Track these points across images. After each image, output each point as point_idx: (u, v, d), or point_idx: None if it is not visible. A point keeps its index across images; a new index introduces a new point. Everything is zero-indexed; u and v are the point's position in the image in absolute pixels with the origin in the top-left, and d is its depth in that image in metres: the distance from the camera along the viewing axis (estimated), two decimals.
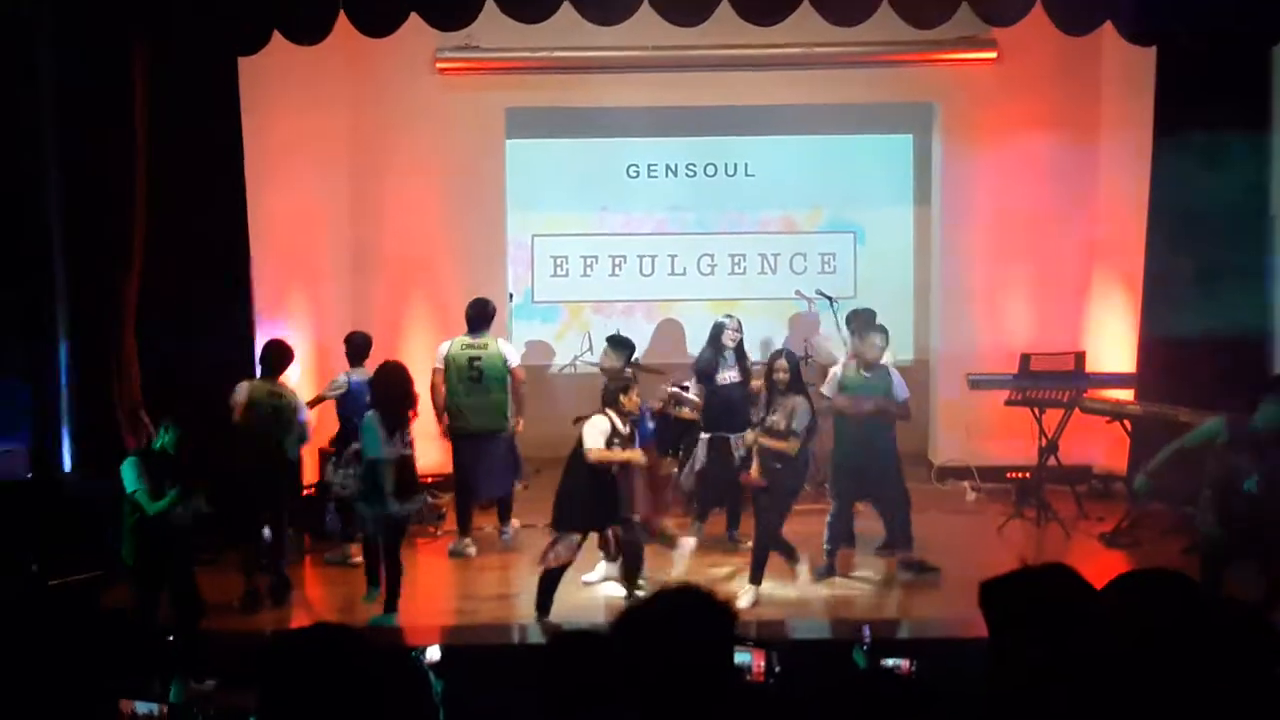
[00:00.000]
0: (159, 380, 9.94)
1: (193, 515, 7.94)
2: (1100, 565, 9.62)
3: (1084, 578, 3.33)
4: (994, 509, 10.90)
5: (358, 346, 10.31)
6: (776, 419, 8.95)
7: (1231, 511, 7.91)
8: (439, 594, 9.48)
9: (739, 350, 10.40)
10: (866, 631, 6.37)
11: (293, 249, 11.66)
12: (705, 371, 10.30)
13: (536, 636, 8.37)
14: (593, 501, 8.60)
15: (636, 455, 8.75)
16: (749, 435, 9.22)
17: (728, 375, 10.29)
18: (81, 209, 9.88)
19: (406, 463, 8.82)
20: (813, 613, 8.90)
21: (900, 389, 9.52)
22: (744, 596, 8.90)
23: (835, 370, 9.66)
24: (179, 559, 7.99)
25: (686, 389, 10.99)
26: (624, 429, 8.64)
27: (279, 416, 9.24)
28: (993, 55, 12.20)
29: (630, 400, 8.66)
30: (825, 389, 9.56)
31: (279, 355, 9.49)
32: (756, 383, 9.95)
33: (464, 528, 10.28)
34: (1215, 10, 9.27)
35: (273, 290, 11.36)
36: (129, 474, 7.83)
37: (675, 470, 11.49)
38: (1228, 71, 10.56)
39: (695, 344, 12.57)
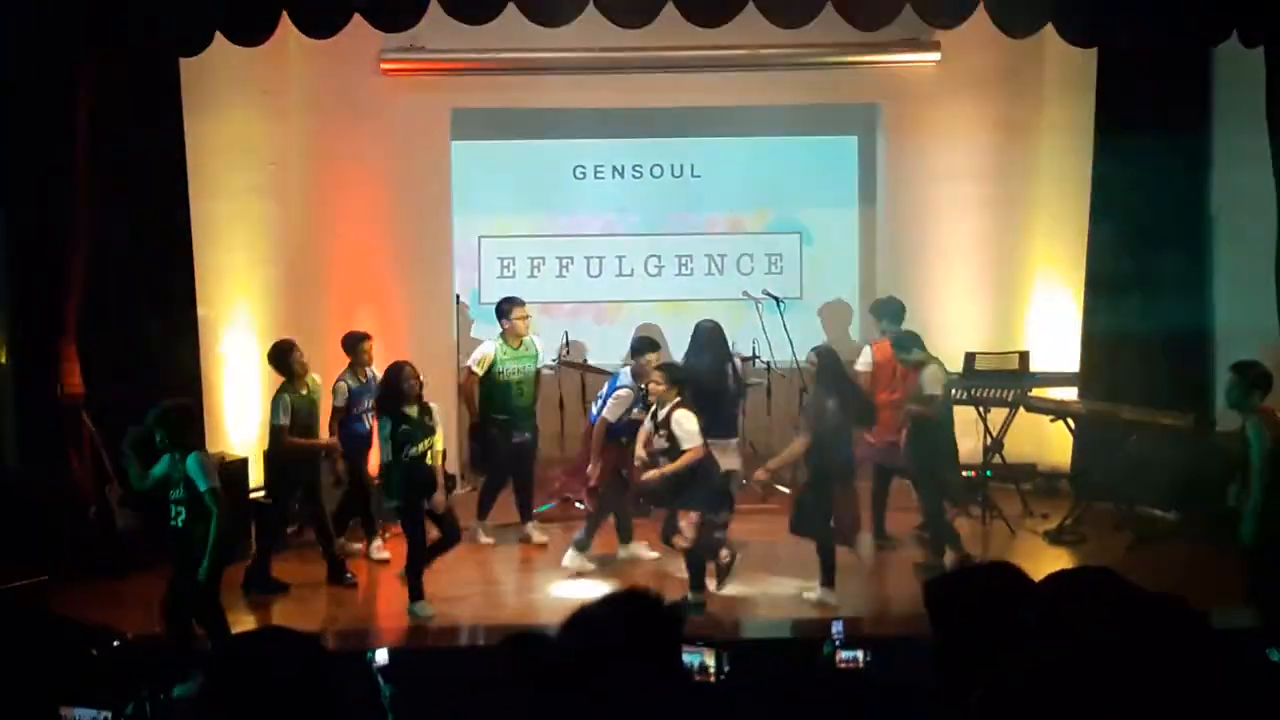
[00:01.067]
0: (104, 386, 9.84)
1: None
2: (1045, 562, 9.71)
3: (1028, 575, 3.36)
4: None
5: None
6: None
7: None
8: (392, 597, 9.42)
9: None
10: (838, 627, 6.39)
11: (238, 252, 11.56)
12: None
13: (484, 639, 8.36)
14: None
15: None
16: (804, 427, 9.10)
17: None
18: (21, 215, 9.77)
19: (415, 465, 8.81)
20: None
21: (935, 385, 9.52)
22: (818, 594, 8.92)
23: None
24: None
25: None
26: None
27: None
28: (936, 57, 12.29)
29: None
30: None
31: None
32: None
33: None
34: (1156, 13, 9.37)
35: (217, 294, 11.26)
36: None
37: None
38: (1168, 73, 10.70)
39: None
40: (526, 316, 10.51)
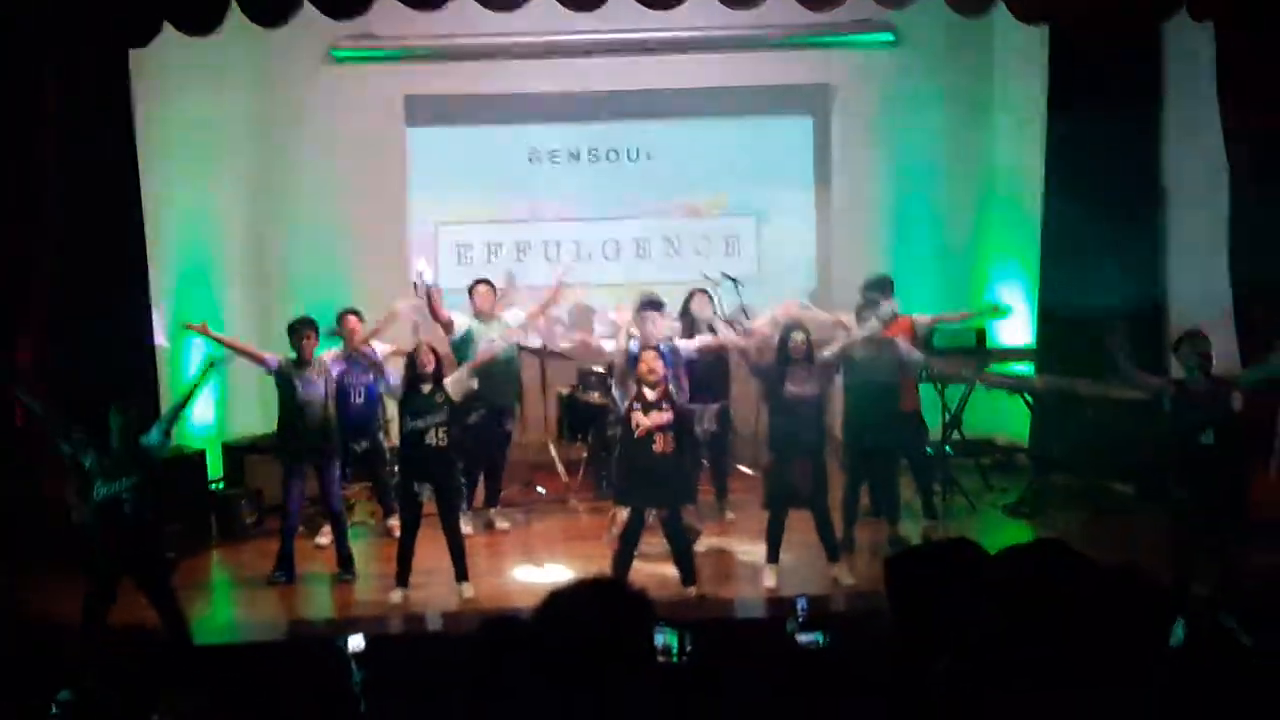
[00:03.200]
0: (60, 381, 9.74)
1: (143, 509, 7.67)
2: (1005, 536, 9.79)
3: (986, 551, 3.39)
4: (901, 483, 11.02)
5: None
6: (793, 386, 8.80)
7: (1192, 470, 7.90)
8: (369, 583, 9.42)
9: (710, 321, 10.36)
10: (801, 604, 6.41)
11: (192, 242, 11.48)
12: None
13: (457, 625, 8.36)
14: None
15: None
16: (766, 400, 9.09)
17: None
18: None
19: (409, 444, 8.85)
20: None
21: (910, 353, 9.55)
22: (767, 577, 8.87)
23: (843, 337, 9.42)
24: (142, 563, 7.70)
25: (596, 373, 11.04)
26: (649, 395, 8.54)
27: None
28: (889, 37, 12.36)
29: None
30: (827, 352, 9.21)
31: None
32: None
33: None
34: None
35: (172, 287, 11.19)
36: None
37: (584, 454, 11.56)
38: (1119, 48, 10.74)
39: (600, 329, 12.61)
40: (489, 292, 10.54)
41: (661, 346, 9.24)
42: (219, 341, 9.59)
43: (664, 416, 8.43)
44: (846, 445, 9.69)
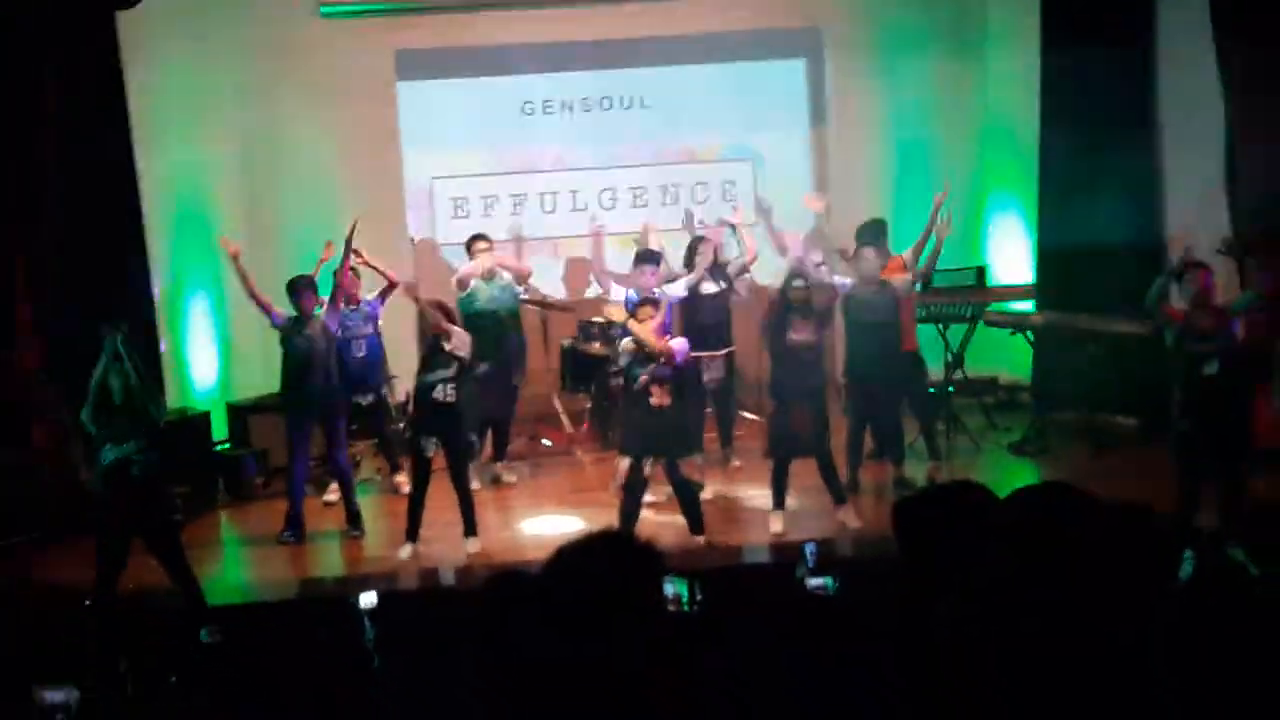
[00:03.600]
0: (60, 343, 9.74)
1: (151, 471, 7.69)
2: (1010, 474, 9.82)
3: (993, 493, 3.38)
4: (905, 423, 11.03)
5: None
6: (795, 334, 8.83)
7: (1196, 400, 7.88)
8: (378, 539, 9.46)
9: (714, 264, 10.42)
10: (809, 550, 6.42)
11: (186, 204, 11.44)
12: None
13: (466, 580, 8.40)
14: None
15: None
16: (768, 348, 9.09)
17: (705, 288, 10.31)
18: None
19: (423, 399, 8.85)
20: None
21: (904, 290, 9.57)
22: (774, 523, 8.91)
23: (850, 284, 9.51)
24: (150, 524, 7.74)
25: (597, 324, 11.03)
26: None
27: None
28: None
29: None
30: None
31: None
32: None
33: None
34: None
35: (168, 247, 11.17)
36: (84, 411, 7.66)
37: (588, 405, 11.56)
38: None
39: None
40: (489, 248, 10.52)
41: (655, 294, 9.28)
42: (241, 276, 9.53)
43: (654, 341, 8.43)
44: (848, 388, 9.69)
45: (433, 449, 8.76)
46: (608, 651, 2.84)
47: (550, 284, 12.60)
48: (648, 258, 10.04)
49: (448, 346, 8.76)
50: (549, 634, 2.98)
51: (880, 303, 9.37)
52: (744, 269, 10.52)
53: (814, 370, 8.84)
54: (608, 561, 2.94)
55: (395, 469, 10.49)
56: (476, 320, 10.16)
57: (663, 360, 8.43)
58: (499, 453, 10.62)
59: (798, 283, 8.89)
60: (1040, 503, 3.07)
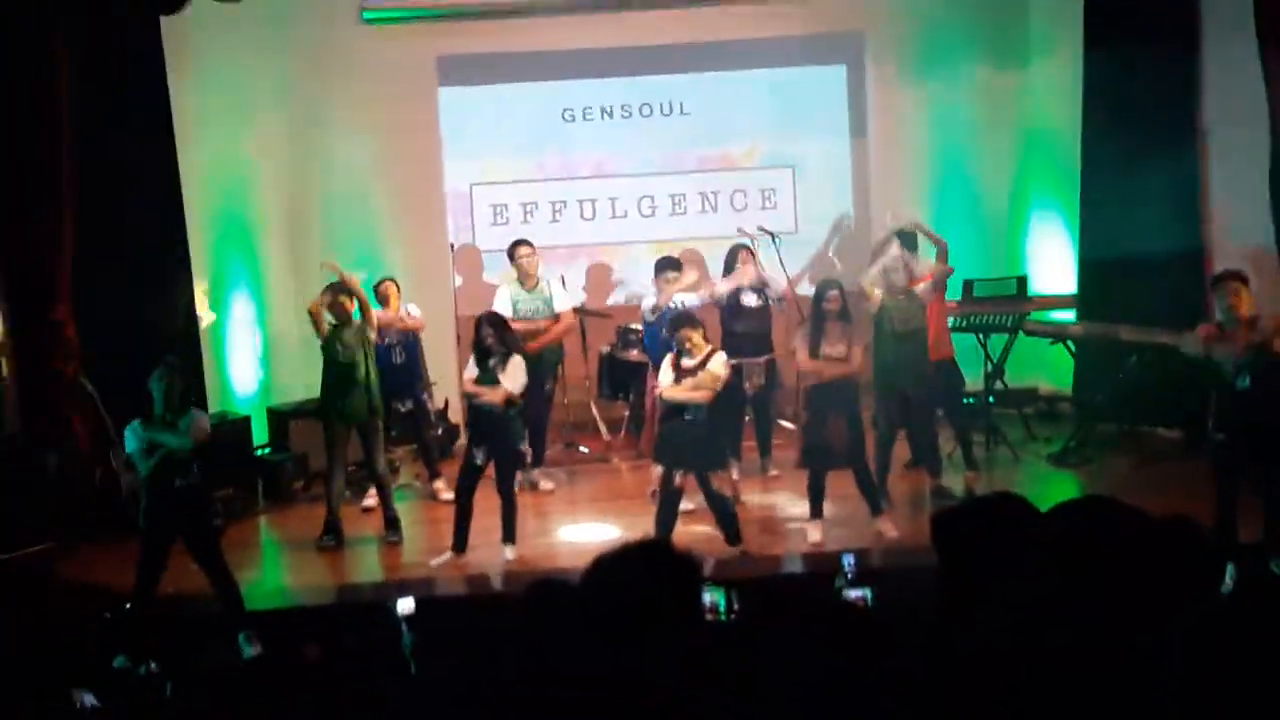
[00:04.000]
0: (100, 346, 9.83)
1: (192, 480, 7.74)
2: (1050, 486, 9.76)
3: (1033, 505, 3.35)
4: (942, 434, 10.97)
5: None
6: (829, 347, 8.78)
7: (1231, 415, 7.78)
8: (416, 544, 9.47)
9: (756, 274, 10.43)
10: (849, 561, 6.38)
11: (228, 208, 11.53)
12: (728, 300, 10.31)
13: (504, 587, 8.41)
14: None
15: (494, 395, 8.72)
16: (802, 363, 8.97)
17: (746, 299, 10.32)
18: (10, 178, 9.70)
19: (475, 407, 8.91)
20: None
21: (928, 294, 9.49)
22: (811, 533, 8.87)
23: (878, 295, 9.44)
24: (191, 529, 7.79)
25: (636, 331, 11.04)
26: (686, 362, 8.48)
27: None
28: None
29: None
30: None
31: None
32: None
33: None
34: None
35: (210, 252, 11.24)
36: (128, 438, 7.71)
37: (626, 413, 11.57)
38: None
39: (638, 287, 12.63)
40: (531, 255, 10.52)
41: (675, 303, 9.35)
42: (348, 284, 9.58)
43: (698, 395, 8.34)
44: (878, 397, 9.58)
45: (483, 458, 8.78)
46: (645, 660, 2.84)
47: (589, 291, 12.63)
48: (671, 264, 10.15)
49: (502, 376, 8.77)
50: (587, 642, 2.97)
51: (908, 311, 9.33)
52: (782, 298, 10.51)
53: (848, 383, 8.79)
54: (645, 571, 2.93)
55: (434, 475, 10.52)
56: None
57: (698, 374, 8.39)
58: (536, 459, 10.62)
59: (831, 292, 8.86)
60: (1083, 517, 3.04)
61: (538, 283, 10.52)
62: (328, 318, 9.46)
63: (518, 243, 10.70)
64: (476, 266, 12.85)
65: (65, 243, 9.72)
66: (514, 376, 8.77)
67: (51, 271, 9.69)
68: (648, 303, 10.16)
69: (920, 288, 9.48)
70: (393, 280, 10.49)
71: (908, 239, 10.18)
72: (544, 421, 10.70)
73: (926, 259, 10.08)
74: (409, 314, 10.40)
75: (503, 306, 10.17)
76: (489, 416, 8.77)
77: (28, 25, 9.38)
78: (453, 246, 12.53)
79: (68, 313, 9.74)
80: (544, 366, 10.42)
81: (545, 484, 10.58)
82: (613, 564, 2.94)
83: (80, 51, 9.65)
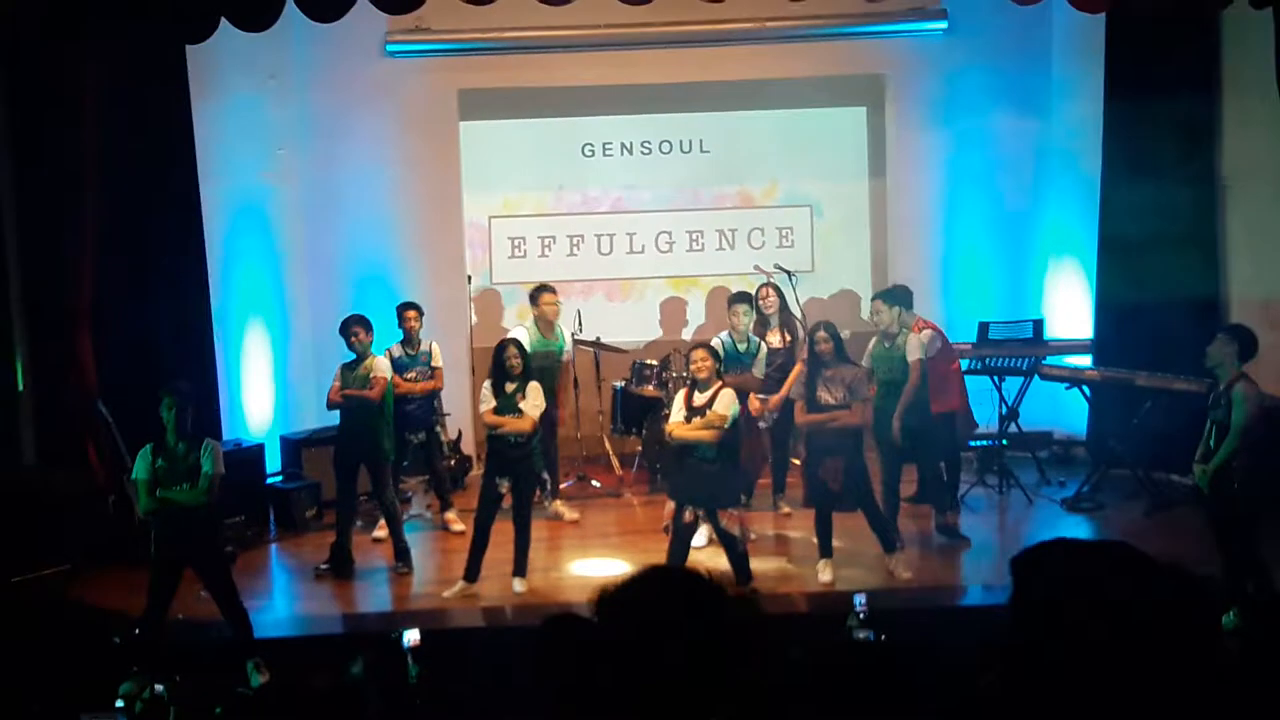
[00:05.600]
0: (118, 372, 9.87)
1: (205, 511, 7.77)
2: (1062, 530, 9.71)
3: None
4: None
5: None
6: (826, 393, 8.77)
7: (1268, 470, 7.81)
8: (426, 575, 9.46)
9: (783, 313, 10.52)
10: (860, 601, 6.36)
11: (248, 237, 11.58)
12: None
13: (513, 619, 8.40)
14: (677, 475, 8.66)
15: (522, 424, 8.75)
16: (799, 416, 9.01)
17: (769, 339, 10.40)
18: (34, 208, 9.79)
19: (492, 437, 8.91)
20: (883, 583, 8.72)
21: (912, 351, 9.44)
22: (822, 572, 8.85)
23: (870, 344, 9.54)
24: (202, 556, 7.82)
25: (650, 366, 11.05)
26: (697, 398, 8.47)
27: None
28: (943, 25, 12.28)
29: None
30: (864, 360, 9.44)
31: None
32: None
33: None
34: None
35: (229, 280, 11.29)
36: (138, 462, 7.74)
37: (639, 448, 11.56)
38: (1177, 37, 10.63)
39: (653, 322, 12.65)
40: (556, 303, 10.58)
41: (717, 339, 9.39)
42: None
43: (705, 435, 8.30)
44: (877, 443, 9.51)
45: (505, 488, 8.79)
46: (664, 685, 2.79)
47: (605, 326, 12.63)
48: (740, 298, 10.27)
49: (523, 404, 8.79)
50: (604, 668, 2.94)
51: (890, 360, 9.36)
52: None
53: (846, 430, 8.77)
54: (664, 593, 2.89)
55: (446, 506, 10.52)
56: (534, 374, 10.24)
57: (706, 412, 8.39)
58: (552, 490, 10.62)
59: (820, 334, 8.87)
60: (1099, 561, 3.01)
61: (554, 330, 10.56)
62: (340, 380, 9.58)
63: (543, 288, 10.71)
64: (494, 303, 12.89)
65: (86, 269, 9.78)
66: (535, 403, 8.79)
67: (72, 298, 9.75)
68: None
69: (912, 340, 9.45)
70: (415, 308, 10.48)
71: (897, 295, 10.21)
72: (554, 451, 10.74)
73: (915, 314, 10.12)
74: (422, 370, 10.42)
75: None
76: (513, 446, 8.79)
77: (54, 54, 9.47)
78: (469, 278, 12.57)
79: (87, 339, 9.79)
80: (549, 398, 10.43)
81: (570, 514, 10.59)
82: (626, 593, 2.90)
83: (106, 80, 9.73)
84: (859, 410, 8.74)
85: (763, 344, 10.13)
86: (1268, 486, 7.79)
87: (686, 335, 12.55)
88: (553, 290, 10.70)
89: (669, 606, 2.86)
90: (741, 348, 10.01)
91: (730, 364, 9.60)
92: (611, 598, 2.92)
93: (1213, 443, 7.91)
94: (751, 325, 10.18)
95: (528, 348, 10.10)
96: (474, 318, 12.50)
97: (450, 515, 10.45)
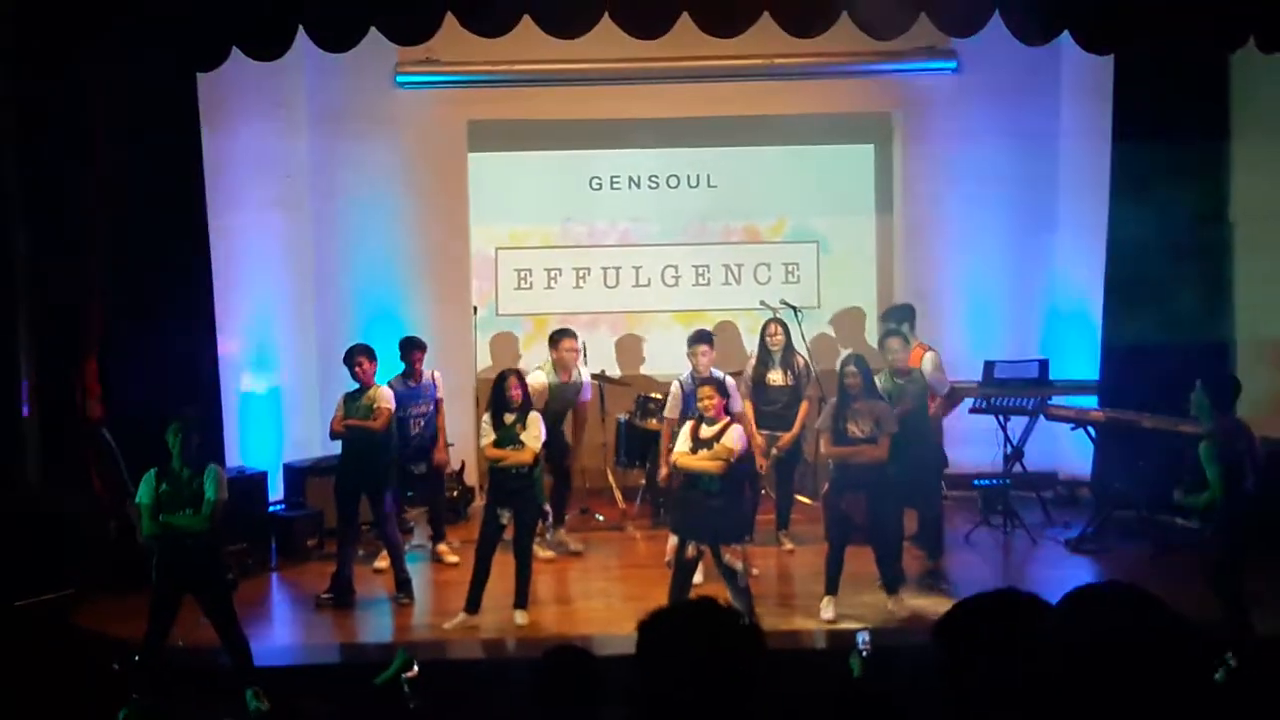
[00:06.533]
0: (125, 402, 9.88)
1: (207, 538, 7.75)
2: (1067, 571, 9.68)
3: (1043, 600, 3.26)
4: (960, 516, 10.92)
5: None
6: (854, 427, 8.77)
7: (1241, 514, 7.82)
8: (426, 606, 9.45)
9: (786, 350, 10.48)
10: (862, 639, 6.32)
11: (254, 266, 11.59)
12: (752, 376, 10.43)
13: (514, 652, 8.38)
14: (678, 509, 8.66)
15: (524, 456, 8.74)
16: (825, 448, 9.01)
17: (773, 377, 10.35)
18: (44, 233, 9.80)
19: (494, 468, 8.92)
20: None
21: (938, 387, 9.49)
22: (825, 609, 8.80)
23: (878, 379, 9.45)
24: (203, 583, 7.78)
25: (654, 399, 11.04)
26: (704, 431, 8.43)
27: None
28: (953, 65, 12.32)
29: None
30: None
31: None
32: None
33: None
34: (1173, 18, 9.32)
35: (236, 308, 11.29)
36: (141, 486, 7.73)
37: (643, 481, 11.55)
38: (1186, 79, 10.67)
39: (659, 356, 12.63)
40: (576, 350, 10.56)
41: (715, 374, 9.35)
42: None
43: (711, 465, 8.29)
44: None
45: (507, 518, 8.77)
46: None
47: (609, 359, 12.63)
48: (701, 337, 10.16)
49: (523, 435, 8.78)
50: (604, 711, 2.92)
51: (909, 392, 9.32)
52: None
53: (870, 464, 8.74)
54: (708, 634, 2.85)
55: (439, 538, 10.49)
56: (548, 417, 10.19)
57: (714, 445, 8.35)
58: (558, 519, 10.60)
59: (849, 368, 8.85)
60: (1103, 601, 3.00)
61: (571, 376, 10.54)
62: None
63: (563, 333, 10.67)
64: (498, 329, 12.91)
65: (94, 294, 9.81)
66: (535, 434, 8.78)
67: (79, 322, 9.77)
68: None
69: (926, 371, 9.47)
70: (422, 347, 10.49)
71: (903, 312, 10.25)
72: (567, 484, 10.80)
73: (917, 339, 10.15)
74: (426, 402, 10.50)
75: (539, 397, 10.19)
76: (515, 477, 8.77)
77: (64, 82, 9.51)
78: (475, 309, 12.58)
79: (94, 364, 9.79)
80: (556, 443, 10.38)
81: (575, 545, 10.58)
82: (661, 628, 2.85)
83: (116, 109, 9.77)
84: (884, 445, 8.72)
85: (727, 378, 9.88)
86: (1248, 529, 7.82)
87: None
88: (573, 335, 10.67)
89: (716, 641, 2.83)
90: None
91: (690, 403, 9.57)
92: (657, 628, 2.88)
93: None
94: (711, 365, 10.06)
95: (545, 388, 10.12)
96: (479, 348, 12.50)
97: (443, 547, 10.43)
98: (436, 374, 10.57)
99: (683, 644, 2.79)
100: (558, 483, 10.60)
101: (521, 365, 11.11)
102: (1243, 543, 7.79)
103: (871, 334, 12.76)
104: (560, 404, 10.42)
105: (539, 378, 10.29)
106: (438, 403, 10.52)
